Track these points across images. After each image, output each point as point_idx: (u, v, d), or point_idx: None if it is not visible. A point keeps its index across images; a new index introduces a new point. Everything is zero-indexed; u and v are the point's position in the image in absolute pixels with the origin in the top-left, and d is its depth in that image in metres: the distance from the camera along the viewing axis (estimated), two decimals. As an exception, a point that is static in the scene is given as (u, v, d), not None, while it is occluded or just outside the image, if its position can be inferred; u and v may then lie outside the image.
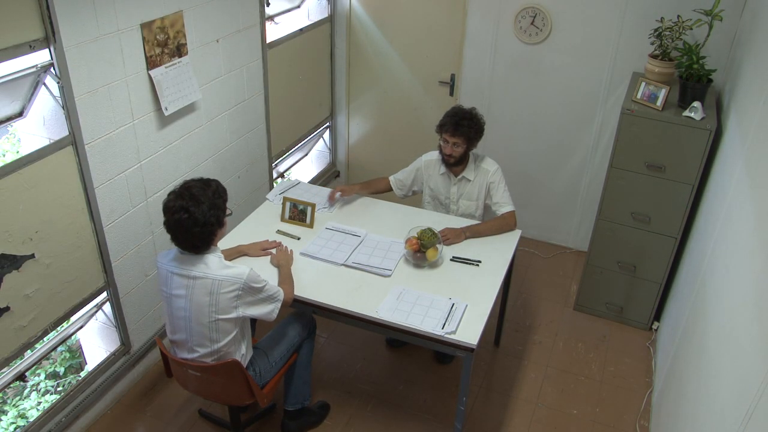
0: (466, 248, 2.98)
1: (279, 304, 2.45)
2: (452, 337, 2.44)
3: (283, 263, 2.75)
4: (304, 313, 2.78)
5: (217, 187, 2.31)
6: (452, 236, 3.00)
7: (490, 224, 3.12)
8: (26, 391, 3.45)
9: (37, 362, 2.68)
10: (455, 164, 3.13)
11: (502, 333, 3.49)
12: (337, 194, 3.27)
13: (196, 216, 2.17)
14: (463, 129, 2.98)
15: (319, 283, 2.72)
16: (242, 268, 2.31)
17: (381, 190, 3.37)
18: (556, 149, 4.14)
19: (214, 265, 2.27)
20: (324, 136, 4.83)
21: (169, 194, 2.25)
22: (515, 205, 3.16)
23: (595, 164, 4.07)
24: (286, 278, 2.65)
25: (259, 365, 2.55)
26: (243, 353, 2.46)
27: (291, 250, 2.89)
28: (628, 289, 3.61)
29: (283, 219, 3.16)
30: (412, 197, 3.44)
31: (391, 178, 3.35)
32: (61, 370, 3.52)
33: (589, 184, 4.15)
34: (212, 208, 2.22)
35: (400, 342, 3.43)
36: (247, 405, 2.81)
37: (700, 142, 3.04)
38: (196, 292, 2.28)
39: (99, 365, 2.96)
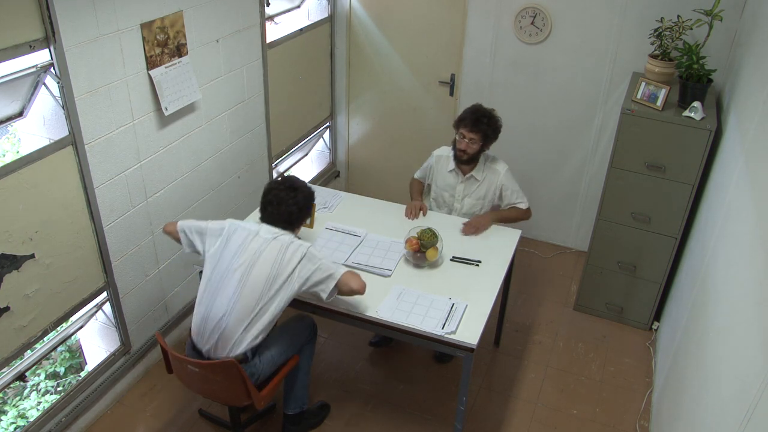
0: (466, 248, 2.98)
1: (334, 283, 2.44)
2: (452, 337, 2.44)
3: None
4: (305, 317, 2.78)
5: (311, 189, 2.67)
6: (482, 224, 3.10)
7: (514, 213, 3.23)
8: (26, 391, 3.45)
9: (37, 362, 2.68)
10: (467, 162, 3.15)
11: (502, 333, 3.49)
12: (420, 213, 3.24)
13: (298, 198, 2.54)
14: (482, 126, 3.03)
15: (319, 283, 2.71)
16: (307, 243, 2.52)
17: (418, 189, 3.46)
18: (556, 149, 4.14)
19: (288, 235, 2.51)
20: (324, 136, 4.83)
21: (272, 180, 2.65)
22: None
23: (595, 164, 4.07)
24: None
25: (256, 361, 2.55)
26: (258, 341, 2.46)
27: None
28: (628, 289, 3.61)
29: (283, 219, 3.16)
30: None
31: (417, 176, 3.46)
32: (61, 370, 3.52)
33: (589, 184, 4.15)
34: (308, 200, 2.61)
35: (386, 340, 3.44)
36: (246, 405, 2.81)
37: (700, 142, 3.04)
38: (267, 250, 2.41)
39: (99, 365, 2.96)
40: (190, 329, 2.55)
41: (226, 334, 2.40)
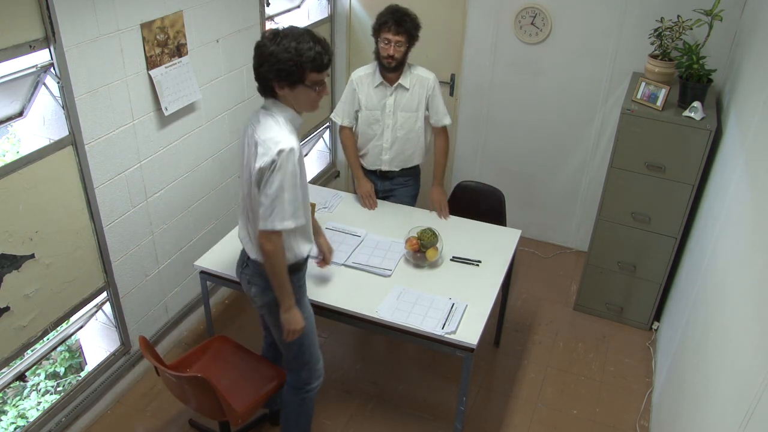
0: (466, 248, 2.98)
1: (271, 224, 2.07)
2: (452, 337, 2.44)
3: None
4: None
5: (303, 36, 2.04)
6: (443, 201, 3.18)
7: (440, 162, 3.25)
8: (26, 391, 3.45)
9: (37, 362, 2.68)
10: (395, 69, 3.02)
11: (502, 333, 3.49)
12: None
13: (277, 52, 2.01)
14: (406, 25, 2.91)
15: (319, 283, 2.72)
16: (292, 139, 2.06)
17: (354, 144, 3.28)
18: (556, 149, 4.14)
19: (266, 124, 2.09)
20: (324, 136, 4.83)
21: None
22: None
23: (595, 164, 4.07)
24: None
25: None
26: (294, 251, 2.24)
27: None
28: (628, 289, 3.61)
29: (283, 219, 3.15)
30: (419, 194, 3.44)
31: (336, 118, 3.25)
32: (61, 370, 3.52)
33: (589, 184, 4.15)
34: (288, 54, 2.01)
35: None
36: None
37: (700, 142, 3.04)
38: (247, 145, 2.15)
39: (99, 365, 2.96)
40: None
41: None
